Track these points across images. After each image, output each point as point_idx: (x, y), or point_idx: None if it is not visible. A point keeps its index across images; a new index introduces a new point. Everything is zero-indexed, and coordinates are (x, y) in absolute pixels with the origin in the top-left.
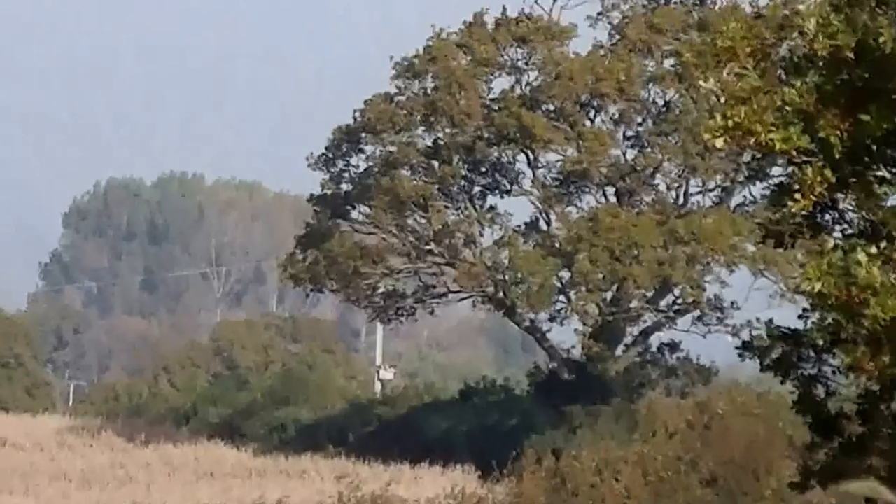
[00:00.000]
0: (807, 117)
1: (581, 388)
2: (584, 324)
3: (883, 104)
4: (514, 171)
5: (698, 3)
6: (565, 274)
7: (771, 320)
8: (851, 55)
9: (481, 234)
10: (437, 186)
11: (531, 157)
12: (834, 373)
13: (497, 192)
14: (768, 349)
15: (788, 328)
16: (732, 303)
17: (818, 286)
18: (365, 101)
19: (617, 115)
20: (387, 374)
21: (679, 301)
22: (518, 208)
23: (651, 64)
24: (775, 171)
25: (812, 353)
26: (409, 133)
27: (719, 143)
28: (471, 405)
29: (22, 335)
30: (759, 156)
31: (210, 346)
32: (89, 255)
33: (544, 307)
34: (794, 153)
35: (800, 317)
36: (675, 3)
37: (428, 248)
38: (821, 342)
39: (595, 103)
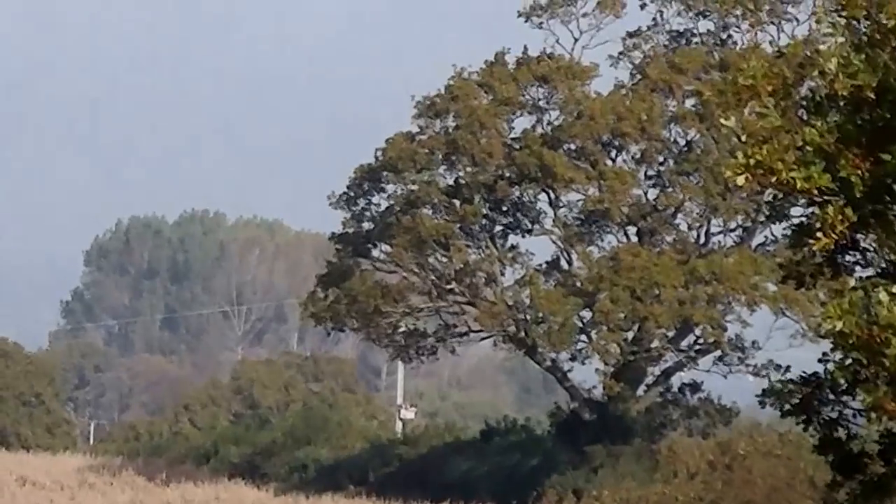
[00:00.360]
0: (828, 157)
1: (602, 428)
2: (606, 363)
3: None
4: (536, 210)
5: (719, 43)
6: (586, 313)
7: (788, 367)
8: (872, 95)
9: (502, 274)
10: (458, 225)
11: (552, 196)
12: (855, 416)
13: (518, 231)
14: (788, 395)
15: (807, 374)
16: (753, 342)
17: (839, 325)
18: (386, 140)
19: (638, 155)
20: (408, 414)
21: (700, 341)
22: (539, 248)
23: (672, 103)
24: (796, 211)
25: (832, 396)
26: (430, 172)
27: (740, 181)
28: (492, 445)
29: (43, 374)
30: (779, 195)
31: (231, 386)
32: (111, 293)
33: (565, 347)
34: (816, 192)
35: (820, 360)
36: (697, 42)
37: (449, 287)
38: (842, 382)
39: (616, 143)
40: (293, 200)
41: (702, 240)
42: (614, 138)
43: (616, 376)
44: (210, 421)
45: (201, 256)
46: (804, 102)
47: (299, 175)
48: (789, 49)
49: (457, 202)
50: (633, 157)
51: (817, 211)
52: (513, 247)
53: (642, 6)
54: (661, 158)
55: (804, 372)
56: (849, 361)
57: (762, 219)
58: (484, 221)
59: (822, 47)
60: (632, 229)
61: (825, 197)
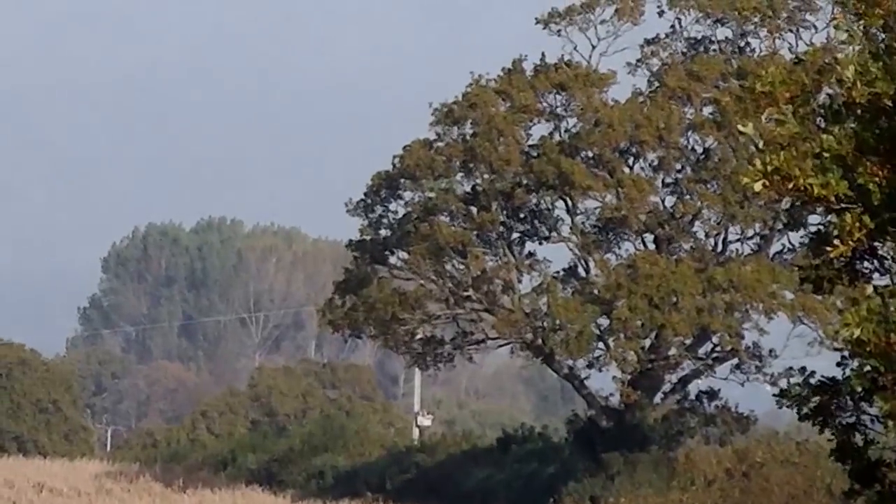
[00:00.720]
0: (845, 164)
1: (619, 435)
2: (623, 371)
3: None
4: (553, 217)
5: (737, 50)
6: (604, 321)
7: (812, 372)
8: (890, 103)
9: (519, 281)
10: (475, 233)
11: (570, 203)
12: (872, 421)
13: (535, 238)
14: (806, 398)
15: (826, 378)
16: (771, 351)
17: (857, 333)
18: (404, 148)
19: (656, 162)
20: (425, 422)
21: (718, 349)
22: (556, 255)
23: (690, 111)
24: (813, 218)
25: (850, 402)
26: (447, 179)
27: (758, 188)
28: (509, 453)
29: (60, 381)
30: (797, 202)
31: (248, 393)
32: (128, 300)
33: (582, 354)
34: (833, 200)
35: (838, 364)
36: (714, 50)
37: (466, 294)
38: (859, 390)
39: (634, 150)
40: (311, 208)
41: (719, 248)
42: (632, 146)
43: (633, 384)
44: (227, 428)
45: (219, 264)
46: (822, 110)
47: (317, 183)
48: (807, 56)
49: (474, 209)
50: (650, 165)
51: (835, 219)
52: (530, 254)
53: (660, 13)
54: (678, 166)
55: (823, 376)
56: (866, 369)
57: (780, 227)
58: (501, 229)
59: (839, 55)
60: (649, 237)
61: (843, 204)
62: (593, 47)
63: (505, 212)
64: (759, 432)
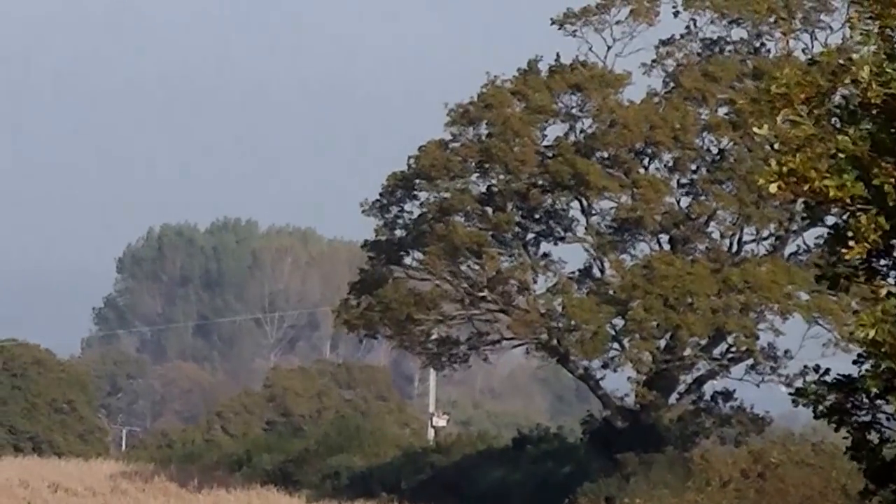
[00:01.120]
0: (861, 165)
1: (635, 436)
2: (638, 371)
3: None
4: (568, 218)
5: (752, 51)
6: (619, 321)
7: (827, 370)
8: None
9: (535, 282)
10: (491, 233)
11: (585, 204)
12: (888, 419)
13: (551, 239)
14: (821, 396)
15: (842, 375)
16: (786, 351)
17: (872, 333)
18: (419, 148)
19: (671, 163)
20: (440, 422)
21: (733, 349)
22: (572, 255)
23: (705, 112)
24: (829, 220)
25: (866, 400)
26: (463, 180)
27: (773, 188)
28: (524, 453)
29: (76, 381)
30: (812, 203)
31: (263, 393)
32: (143, 300)
33: (598, 355)
34: (849, 201)
35: (854, 362)
36: (730, 51)
37: (481, 294)
38: (874, 389)
39: (649, 151)
40: (326, 208)
41: (734, 248)
42: (647, 146)
43: (648, 384)
44: (243, 428)
45: (234, 264)
46: (837, 111)
47: (332, 183)
48: (823, 57)
49: (489, 210)
50: (665, 166)
51: (851, 219)
52: (545, 255)
53: (675, 14)
54: (693, 167)
55: (839, 374)
56: (881, 369)
57: (795, 228)
58: (517, 229)
59: (854, 56)
60: (664, 238)
61: (858, 205)
62: (609, 48)
63: (520, 212)
64: (774, 433)
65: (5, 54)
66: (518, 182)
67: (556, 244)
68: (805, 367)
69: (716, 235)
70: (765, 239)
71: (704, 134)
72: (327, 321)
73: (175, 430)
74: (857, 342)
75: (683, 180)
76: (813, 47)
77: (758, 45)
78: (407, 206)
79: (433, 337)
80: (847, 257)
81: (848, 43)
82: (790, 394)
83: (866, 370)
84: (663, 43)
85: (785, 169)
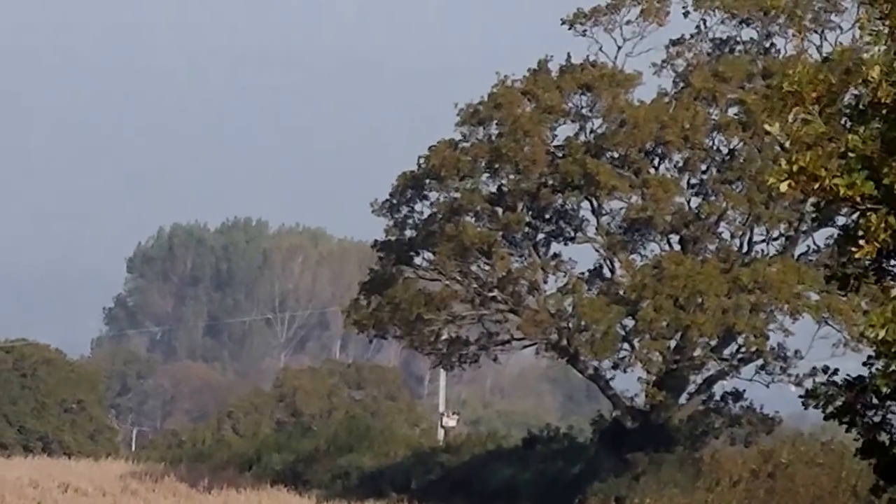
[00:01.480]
0: (871, 164)
1: (645, 436)
2: (648, 372)
3: None
4: (579, 218)
5: (762, 51)
6: (629, 322)
7: (836, 370)
8: None
9: (545, 282)
10: (501, 233)
11: (595, 204)
12: None
13: (561, 239)
14: (832, 397)
15: (851, 376)
16: (796, 352)
17: (882, 333)
18: (429, 148)
19: (681, 163)
20: (450, 422)
21: (743, 350)
22: (582, 255)
23: (715, 112)
24: (839, 219)
25: (876, 400)
26: (473, 180)
27: (784, 187)
28: (534, 453)
29: (86, 380)
30: (822, 203)
31: (273, 393)
32: (153, 300)
33: (608, 355)
34: (859, 199)
35: (865, 364)
36: (740, 51)
37: (491, 294)
38: (885, 389)
39: (659, 151)
40: (336, 208)
41: (744, 248)
42: (657, 146)
43: (658, 384)
44: (253, 428)
45: (244, 264)
46: (848, 110)
47: (342, 183)
48: (834, 56)
49: (500, 210)
50: (675, 166)
51: (861, 218)
52: (555, 255)
53: (685, 14)
54: (703, 167)
55: (849, 375)
56: (892, 369)
57: (805, 228)
58: (527, 229)
59: (865, 55)
60: (674, 237)
61: (868, 204)
62: (619, 48)
63: (530, 212)
64: (784, 433)
65: (14, 50)
66: (528, 182)
67: (566, 244)
68: (814, 368)
69: (726, 235)
70: (775, 239)
71: (714, 134)
72: (337, 321)
73: (185, 429)
74: (868, 342)
75: (693, 180)
76: (823, 47)
77: (768, 45)
78: (417, 206)
79: (443, 337)
80: (857, 256)
81: (858, 43)
82: (800, 395)
83: (876, 370)
84: (673, 43)
85: (795, 167)
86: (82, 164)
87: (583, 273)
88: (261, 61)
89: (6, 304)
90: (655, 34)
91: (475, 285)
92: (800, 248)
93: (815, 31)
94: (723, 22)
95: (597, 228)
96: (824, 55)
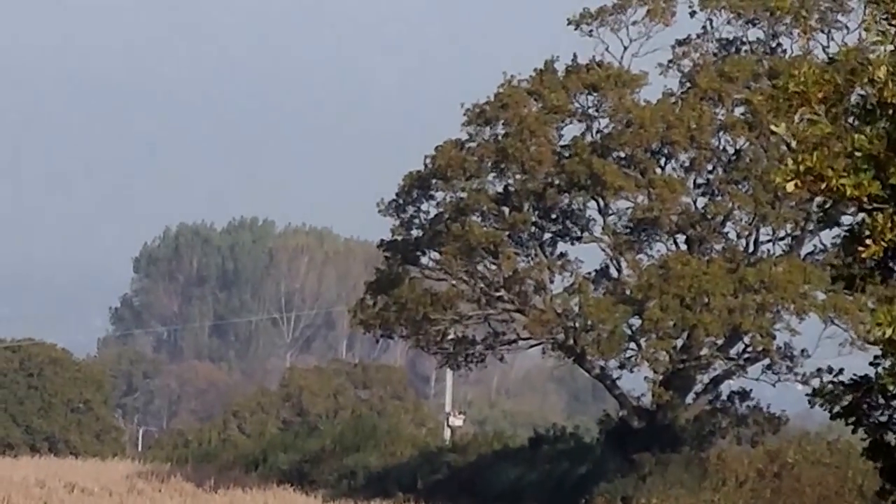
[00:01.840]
0: (878, 164)
1: (651, 436)
2: (655, 371)
3: None
4: (585, 218)
5: (769, 51)
6: (635, 321)
7: (841, 369)
8: None
9: (551, 281)
10: (507, 233)
11: (602, 204)
12: None
13: (567, 238)
14: (838, 397)
15: (858, 375)
16: (803, 351)
17: (889, 332)
18: (436, 148)
19: (687, 163)
20: (456, 422)
21: (749, 349)
22: (588, 255)
23: (722, 112)
24: (845, 219)
25: (882, 400)
26: (479, 179)
27: (790, 187)
28: (540, 453)
29: (92, 380)
30: (829, 202)
31: (280, 393)
32: (159, 300)
33: (614, 354)
34: (865, 199)
35: (871, 363)
36: (746, 51)
37: (498, 294)
38: (891, 389)
39: (666, 151)
40: (342, 208)
41: (751, 248)
42: (663, 146)
43: (665, 384)
44: (259, 428)
45: (250, 264)
46: (854, 110)
47: (348, 183)
48: (840, 56)
49: (506, 210)
50: (682, 166)
51: (867, 218)
52: (562, 254)
53: (692, 14)
54: (710, 167)
55: (855, 374)
56: None
57: (811, 227)
58: (533, 229)
59: (871, 55)
60: (681, 237)
61: (875, 204)
62: (625, 48)
63: (537, 212)
64: (790, 432)
65: (25, 52)
66: (534, 182)
67: (572, 244)
68: (820, 367)
69: (732, 235)
70: (781, 239)
71: (720, 134)
72: (343, 321)
73: (191, 429)
74: (874, 342)
75: (700, 180)
76: (829, 47)
77: (774, 45)
78: (423, 206)
79: (449, 337)
80: (864, 256)
81: (864, 43)
82: (807, 394)
83: (883, 369)
84: (679, 43)
85: (802, 167)
86: (85, 165)
87: (589, 273)
88: (264, 62)
89: (13, 303)
90: (662, 34)
91: (481, 285)
92: (806, 248)
93: (822, 31)
94: (729, 22)
95: (603, 228)
96: (830, 55)
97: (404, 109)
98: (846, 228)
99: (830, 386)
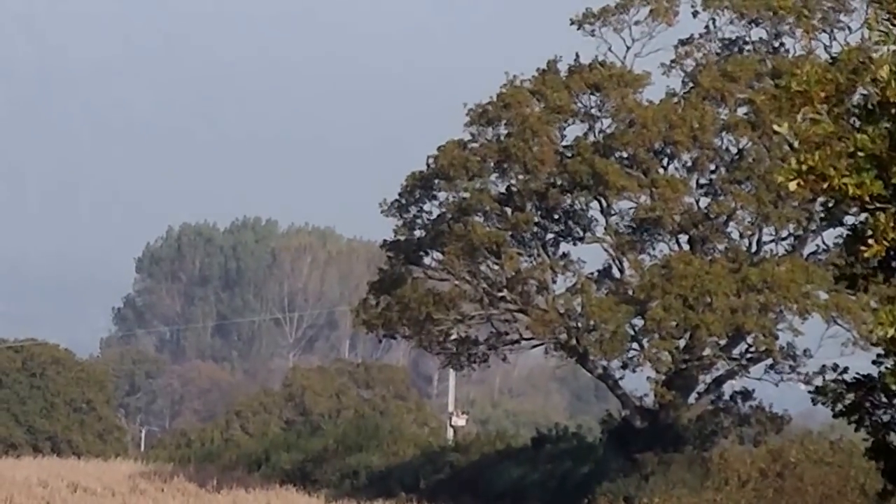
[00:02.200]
0: (880, 163)
1: (654, 435)
2: (657, 371)
3: None
4: (587, 218)
5: (771, 51)
6: (638, 321)
7: (845, 368)
8: None
9: (554, 281)
10: (509, 233)
11: (604, 204)
12: None
13: (570, 238)
14: (841, 395)
15: (861, 375)
16: (805, 351)
17: (891, 332)
18: (438, 148)
19: (690, 163)
20: (459, 421)
21: (752, 349)
22: (591, 255)
23: (724, 112)
24: (848, 218)
25: (885, 399)
26: (482, 180)
27: (792, 186)
28: (543, 453)
29: (94, 380)
30: (831, 202)
31: (282, 393)
32: (162, 300)
33: (617, 354)
34: (867, 199)
35: (874, 362)
36: (749, 51)
37: (500, 294)
38: (894, 387)
39: (668, 151)
40: (345, 208)
41: (753, 248)
42: (666, 146)
43: (667, 384)
44: (262, 428)
45: (253, 264)
46: (857, 109)
47: (351, 183)
48: (842, 56)
49: (508, 210)
50: (684, 166)
51: (870, 217)
52: (564, 255)
53: (694, 14)
54: (712, 166)
55: (858, 373)
56: None
57: (814, 227)
58: (536, 229)
59: (874, 55)
60: (683, 237)
61: (877, 204)
62: (628, 48)
63: (539, 212)
64: (792, 432)
65: (25, 52)
66: (537, 182)
67: (575, 244)
68: (823, 366)
69: (735, 235)
70: (784, 239)
71: (723, 134)
72: (346, 321)
73: (194, 429)
74: (877, 341)
75: (702, 180)
76: (832, 47)
77: (777, 44)
78: (426, 206)
79: (452, 337)
80: (866, 256)
81: (866, 43)
82: (810, 392)
83: (886, 369)
84: (682, 43)
85: (804, 167)
86: (87, 164)
87: (592, 273)
88: (268, 64)
89: (15, 304)
90: (664, 34)
91: (484, 285)
92: (809, 248)
93: (824, 31)
94: (732, 22)
95: (605, 228)
96: (833, 55)
97: (407, 109)
98: (849, 228)
99: (833, 384)
